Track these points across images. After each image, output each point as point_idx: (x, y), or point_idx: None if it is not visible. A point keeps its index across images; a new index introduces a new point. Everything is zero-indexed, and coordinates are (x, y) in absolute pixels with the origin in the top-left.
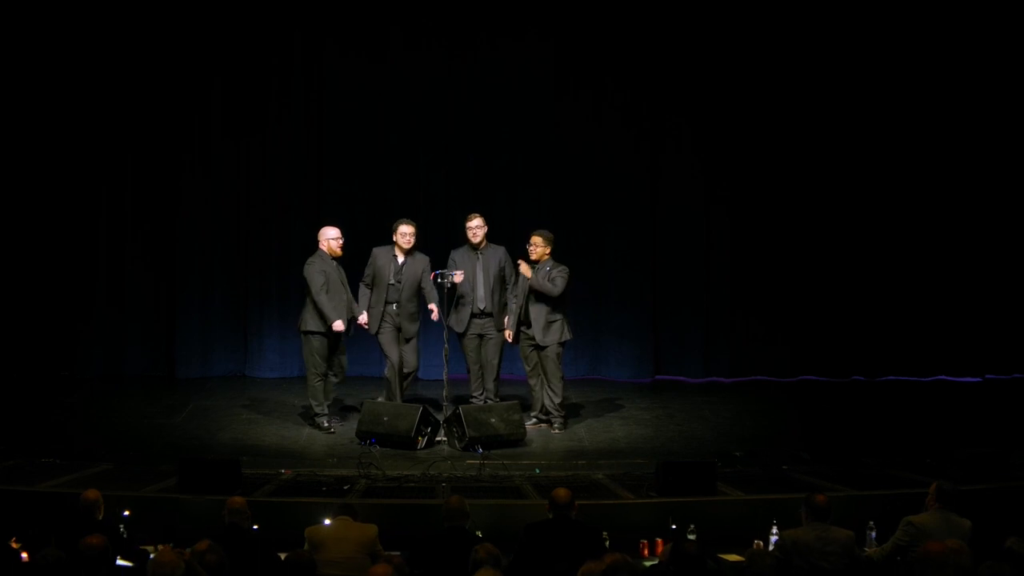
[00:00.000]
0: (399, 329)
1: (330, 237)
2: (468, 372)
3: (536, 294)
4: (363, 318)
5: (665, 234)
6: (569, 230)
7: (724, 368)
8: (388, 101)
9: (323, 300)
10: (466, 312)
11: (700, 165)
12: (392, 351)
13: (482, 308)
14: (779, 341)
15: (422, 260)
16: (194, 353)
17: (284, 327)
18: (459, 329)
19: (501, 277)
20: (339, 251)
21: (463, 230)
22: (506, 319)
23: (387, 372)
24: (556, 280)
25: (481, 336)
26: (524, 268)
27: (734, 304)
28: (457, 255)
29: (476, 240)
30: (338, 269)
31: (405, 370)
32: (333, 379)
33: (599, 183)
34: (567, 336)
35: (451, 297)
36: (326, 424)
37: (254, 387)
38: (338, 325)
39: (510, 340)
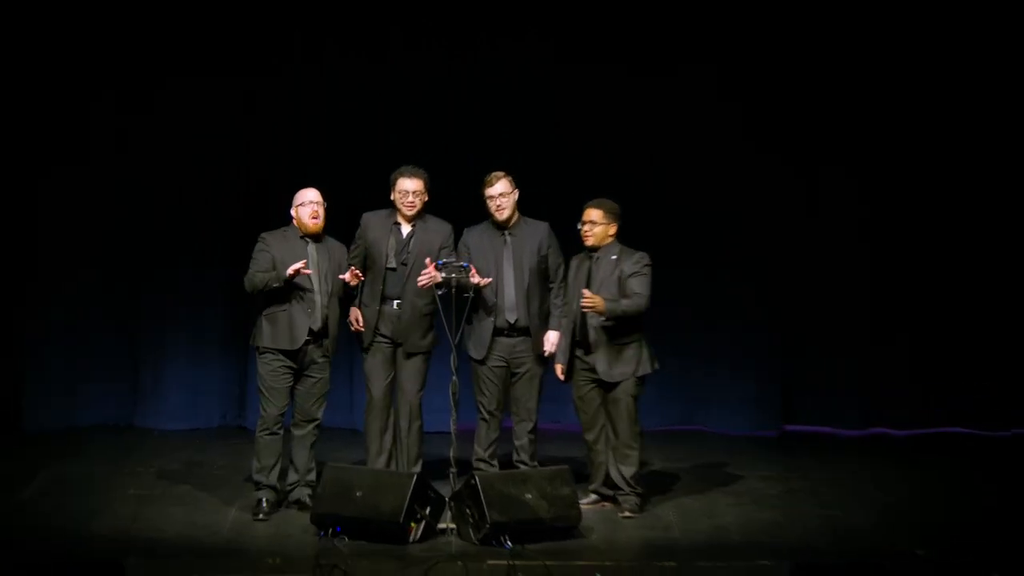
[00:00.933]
0: (399, 345)
1: (297, 202)
2: (479, 418)
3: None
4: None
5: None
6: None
7: (895, 415)
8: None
9: (253, 276)
10: (487, 328)
11: None
12: (376, 381)
13: (511, 321)
14: (980, 376)
15: (440, 231)
16: (52, 394)
17: (196, 354)
18: (478, 355)
19: (542, 272)
20: (312, 224)
21: (481, 201)
22: (548, 339)
23: (367, 417)
24: (635, 283)
25: (509, 366)
26: (590, 302)
27: (908, 322)
28: (473, 237)
29: (502, 215)
30: (315, 252)
31: (406, 421)
32: (299, 431)
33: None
34: (647, 367)
35: (461, 304)
36: (262, 506)
37: (150, 445)
38: (290, 266)
39: (561, 376)
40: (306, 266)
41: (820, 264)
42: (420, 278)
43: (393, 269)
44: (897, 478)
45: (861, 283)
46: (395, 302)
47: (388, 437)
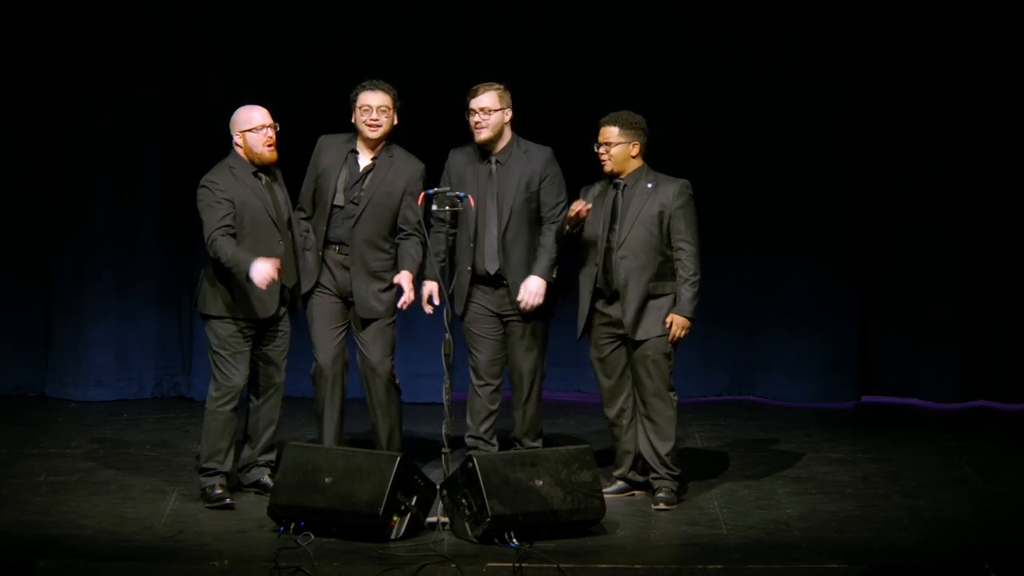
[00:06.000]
0: (345, 300)
1: (244, 127)
2: (469, 385)
3: (635, 241)
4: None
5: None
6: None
7: (1000, 385)
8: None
9: (221, 245)
10: (464, 276)
11: None
12: (323, 338)
13: (490, 272)
14: None
15: (408, 169)
16: None
17: (125, 306)
18: (457, 308)
19: (531, 212)
20: (268, 153)
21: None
22: (526, 287)
23: (316, 389)
24: (681, 223)
25: (502, 320)
26: (579, 206)
27: (1018, 265)
28: (458, 161)
29: (480, 136)
30: (269, 188)
31: (369, 382)
32: (259, 401)
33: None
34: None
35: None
36: (218, 492)
37: (66, 419)
38: (260, 271)
39: (579, 332)
40: (272, 280)
41: (910, 191)
42: (401, 302)
43: (340, 207)
44: (1002, 463)
45: (957, 214)
46: (336, 247)
47: (342, 412)
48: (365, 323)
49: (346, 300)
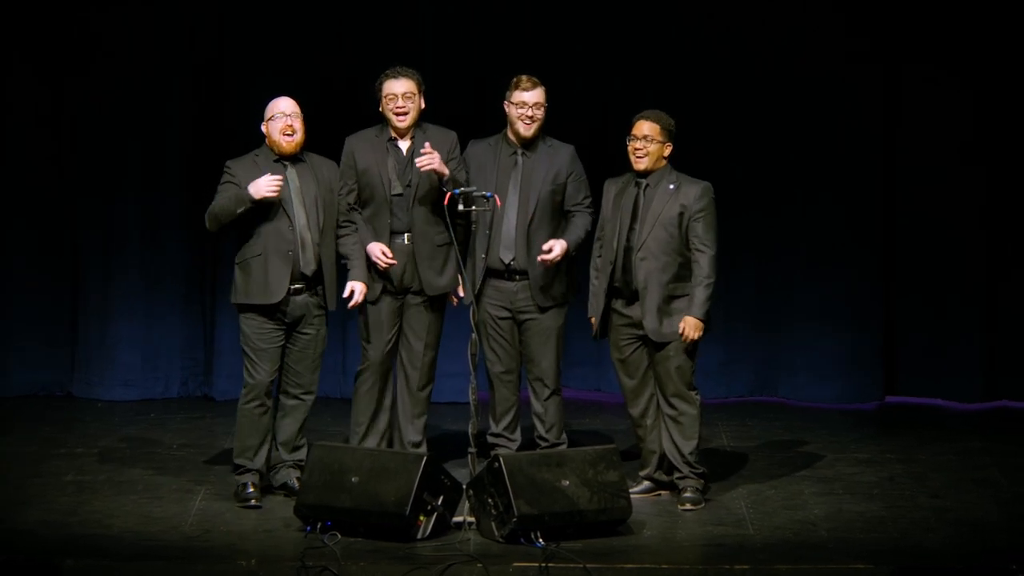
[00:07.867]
0: (407, 291)
1: (266, 116)
2: (489, 386)
3: (655, 242)
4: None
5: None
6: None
7: None
8: None
9: (209, 208)
10: (478, 266)
11: None
12: (379, 337)
13: (506, 261)
14: None
15: (444, 139)
16: None
17: (151, 306)
18: (467, 299)
19: (555, 204)
20: (286, 143)
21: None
22: (551, 243)
23: (358, 382)
24: (700, 225)
25: (512, 315)
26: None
27: None
28: (477, 152)
29: (530, 130)
30: (296, 175)
31: (412, 378)
32: (289, 401)
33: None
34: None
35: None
36: (249, 491)
37: (93, 418)
38: (261, 188)
39: (596, 331)
40: (280, 185)
41: (933, 193)
42: (419, 159)
43: (400, 195)
44: None
45: (980, 215)
46: (404, 235)
47: (384, 414)
48: (423, 304)
49: (405, 290)
